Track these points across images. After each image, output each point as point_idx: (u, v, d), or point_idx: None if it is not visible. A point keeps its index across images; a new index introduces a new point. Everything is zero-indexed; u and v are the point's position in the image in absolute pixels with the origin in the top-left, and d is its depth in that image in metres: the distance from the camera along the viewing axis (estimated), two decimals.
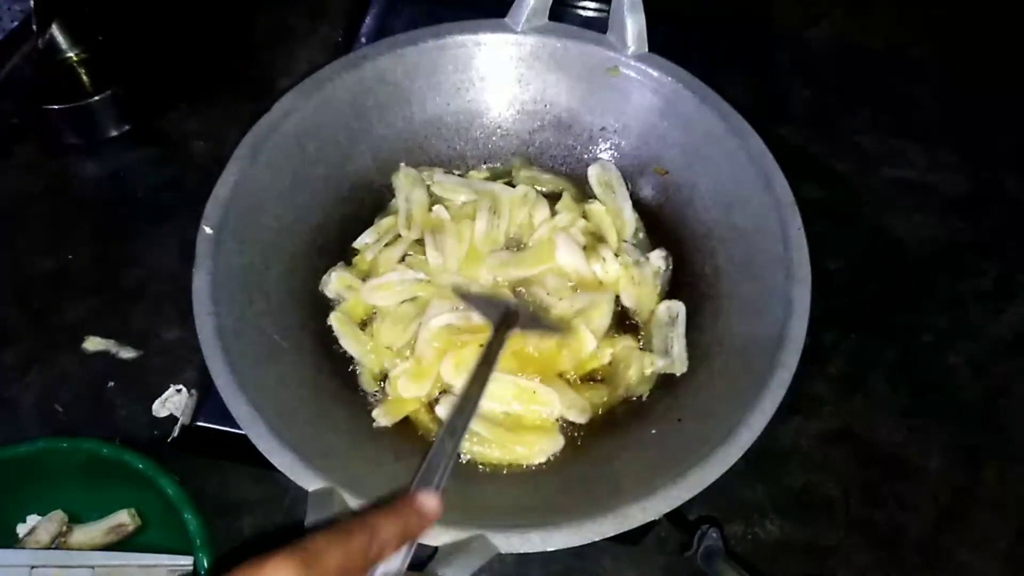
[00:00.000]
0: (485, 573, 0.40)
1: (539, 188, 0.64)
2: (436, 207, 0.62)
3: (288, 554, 0.30)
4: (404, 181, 0.63)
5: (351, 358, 0.56)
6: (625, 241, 0.62)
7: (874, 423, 0.65)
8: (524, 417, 0.53)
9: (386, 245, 0.60)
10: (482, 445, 0.52)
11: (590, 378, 0.56)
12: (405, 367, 0.55)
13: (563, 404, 0.53)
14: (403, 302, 0.58)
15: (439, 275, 0.58)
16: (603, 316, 0.57)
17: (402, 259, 0.60)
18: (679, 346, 0.56)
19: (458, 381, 0.53)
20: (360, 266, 0.60)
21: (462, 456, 0.52)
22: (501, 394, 0.53)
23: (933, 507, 0.62)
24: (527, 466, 0.52)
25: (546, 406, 0.53)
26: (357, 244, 0.61)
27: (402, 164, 0.63)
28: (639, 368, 0.55)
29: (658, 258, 0.60)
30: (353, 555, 0.32)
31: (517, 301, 0.58)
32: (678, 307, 0.58)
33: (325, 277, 0.58)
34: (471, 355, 0.53)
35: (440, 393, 0.55)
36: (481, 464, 0.52)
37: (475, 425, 0.51)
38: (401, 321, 0.57)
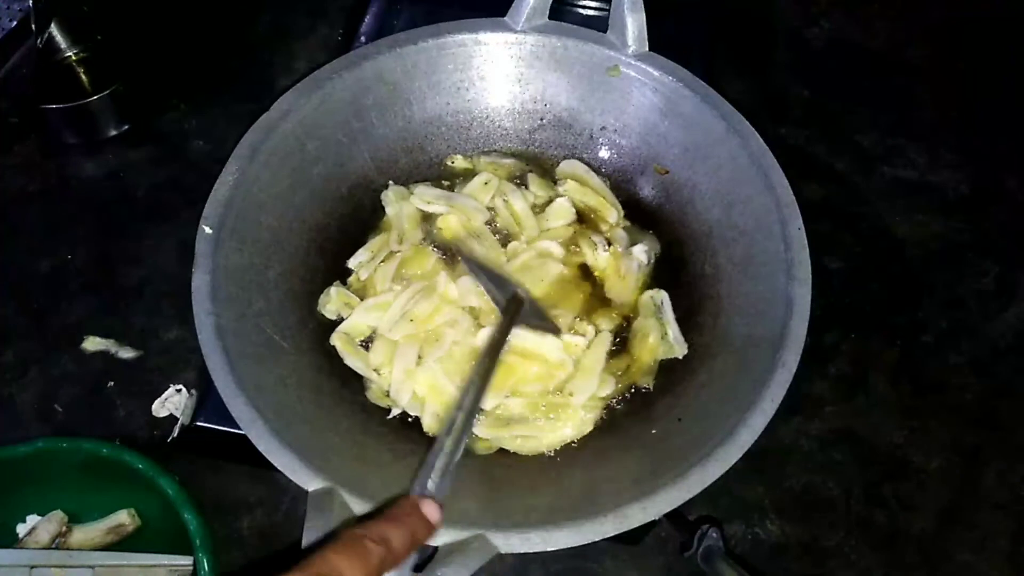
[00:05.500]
0: (485, 573, 0.40)
1: (500, 175, 0.63)
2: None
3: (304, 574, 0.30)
4: (393, 197, 0.62)
5: None
6: (618, 227, 0.61)
7: (875, 423, 0.65)
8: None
9: (381, 262, 0.59)
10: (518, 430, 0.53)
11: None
12: None
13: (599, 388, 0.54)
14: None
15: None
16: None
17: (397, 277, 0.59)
18: (673, 330, 0.56)
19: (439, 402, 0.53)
20: (355, 284, 0.59)
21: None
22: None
23: (934, 507, 0.62)
24: (534, 456, 0.52)
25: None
26: (351, 264, 0.59)
27: (390, 183, 0.62)
28: (657, 337, 0.55)
29: (640, 252, 0.60)
30: (372, 572, 0.32)
31: (524, 289, 0.55)
32: (660, 295, 0.58)
33: (323, 296, 0.57)
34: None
35: None
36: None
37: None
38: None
